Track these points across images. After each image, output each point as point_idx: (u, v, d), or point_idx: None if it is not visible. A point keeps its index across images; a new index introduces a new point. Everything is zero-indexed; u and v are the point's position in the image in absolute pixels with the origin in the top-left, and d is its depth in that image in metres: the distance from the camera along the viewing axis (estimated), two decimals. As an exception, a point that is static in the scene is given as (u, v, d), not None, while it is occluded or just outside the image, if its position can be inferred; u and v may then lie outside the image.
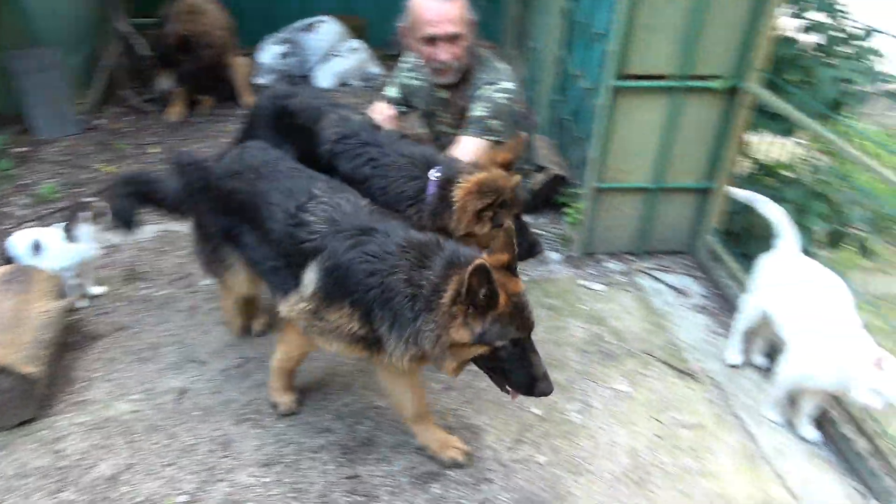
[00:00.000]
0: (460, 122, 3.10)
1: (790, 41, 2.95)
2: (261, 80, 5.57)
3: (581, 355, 2.96)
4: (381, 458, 2.44)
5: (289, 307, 2.26)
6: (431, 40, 2.89)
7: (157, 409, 2.59)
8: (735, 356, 2.88)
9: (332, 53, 5.64)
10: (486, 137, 2.89)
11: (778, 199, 3.07)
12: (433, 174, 2.43)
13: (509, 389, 2.03)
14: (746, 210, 3.33)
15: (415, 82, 3.23)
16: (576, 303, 3.28)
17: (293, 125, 2.79)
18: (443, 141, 3.33)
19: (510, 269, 1.96)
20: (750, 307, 2.74)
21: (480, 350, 1.93)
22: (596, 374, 2.86)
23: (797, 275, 2.55)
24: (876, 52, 2.92)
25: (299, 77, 5.69)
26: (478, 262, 1.78)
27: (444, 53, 2.90)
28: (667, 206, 3.34)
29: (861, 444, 2.41)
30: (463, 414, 2.61)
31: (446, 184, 2.41)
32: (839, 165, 3.07)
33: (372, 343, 2.11)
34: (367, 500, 2.27)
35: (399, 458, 2.43)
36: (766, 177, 3.22)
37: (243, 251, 2.52)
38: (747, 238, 3.31)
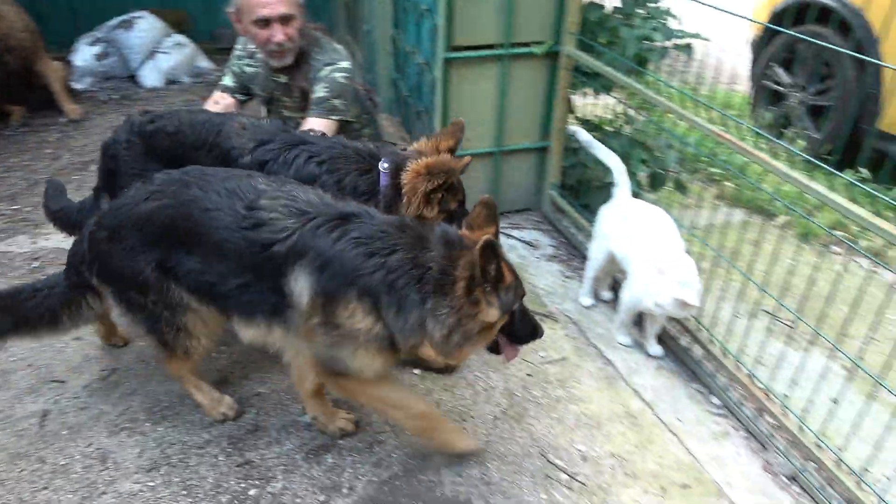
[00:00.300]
0: (302, 104, 3.12)
1: (596, 6, 3.28)
2: (79, 85, 5.18)
3: (450, 314, 3.14)
4: (272, 440, 2.45)
5: (286, 334, 2.04)
6: (265, 22, 2.88)
7: (19, 437, 2.42)
8: (587, 299, 3.18)
9: (155, 50, 5.35)
10: (331, 117, 2.95)
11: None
12: (383, 165, 2.38)
13: (504, 350, 2.07)
14: (580, 165, 3.68)
15: (250, 69, 3.20)
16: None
17: (177, 148, 2.52)
18: (288, 125, 3.33)
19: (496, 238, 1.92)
20: (596, 253, 3.04)
21: (502, 322, 1.96)
22: (466, 329, 3.05)
23: (632, 216, 2.87)
24: (669, 13, 3.33)
25: (123, 78, 5.35)
26: (484, 240, 1.75)
27: (279, 34, 2.89)
28: (510, 168, 3.60)
29: (698, 350, 2.79)
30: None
31: (396, 173, 2.37)
32: (652, 115, 3.48)
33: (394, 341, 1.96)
34: (264, 482, 2.29)
35: (289, 438, 2.46)
36: (592, 131, 3.57)
37: (189, 283, 2.09)
38: (585, 190, 3.65)
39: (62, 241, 3.55)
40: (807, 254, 3.46)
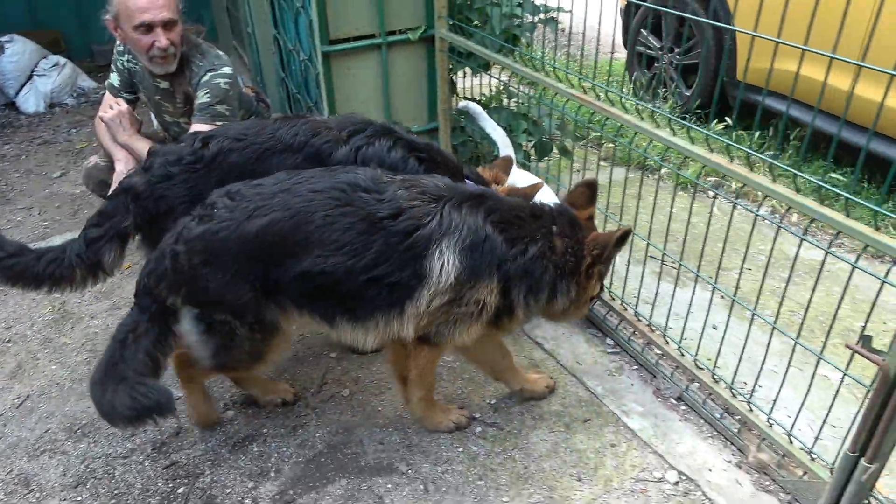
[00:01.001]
0: (185, 109, 3.14)
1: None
2: (-47, 116, 4.96)
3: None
4: (195, 440, 2.51)
5: (418, 311, 2.03)
6: (147, 28, 2.85)
7: (-70, 477, 2.38)
8: None
9: (33, 73, 5.17)
10: (216, 123, 2.99)
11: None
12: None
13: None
14: (470, 141, 3.86)
15: (132, 65, 3.18)
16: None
17: (248, 161, 2.34)
18: (172, 131, 3.35)
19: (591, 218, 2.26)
20: None
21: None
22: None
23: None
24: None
25: (1, 106, 5.15)
26: (624, 230, 2.08)
27: (162, 39, 2.86)
28: (403, 152, 3.73)
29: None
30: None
31: None
32: (529, 88, 3.69)
33: (501, 312, 2.12)
34: (192, 479, 2.36)
35: (213, 435, 2.53)
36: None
37: (298, 291, 2.04)
38: (476, 165, 3.82)
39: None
40: (683, 199, 3.77)
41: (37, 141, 4.79)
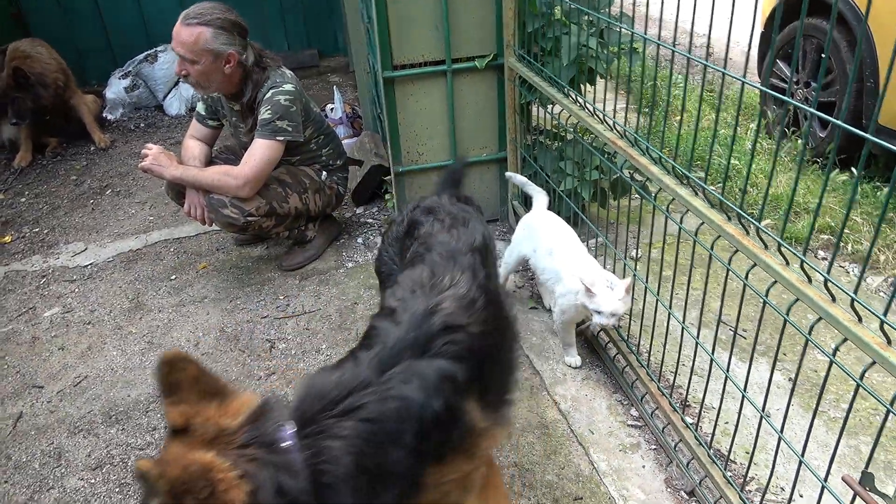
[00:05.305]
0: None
1: (536, 15, 3.27)
2: (111, 116, 5.68)
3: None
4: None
5: None
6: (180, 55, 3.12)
7: (-7, 437, 2.74)
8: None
9: (179, 80, 5.79)
10: (277, 138, 3.14)
11: (561, 158, 3.44)
12: None
13: None
14: (541, 173, 3.69)
15: (215, 94, 3.44)
16: (400, 279, 3.56)
17: None
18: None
19: None
20: (508, 256, 3.15)
21: None
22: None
23: (539, 226, 2.97)
24: (615, 18, 3.26)
25: (151, 108, 5.83)
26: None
27: (178, 67, 3.13)
28: (471, 180, 3.65)
29: (621, 360, 2.76)
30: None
31: None
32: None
33: None
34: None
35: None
36: (550, 140, 3.58)
37: None
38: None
39: (70, 259, 3.96)
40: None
41: (170, 141, 5.35)
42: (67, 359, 3.18)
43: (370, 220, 4.03)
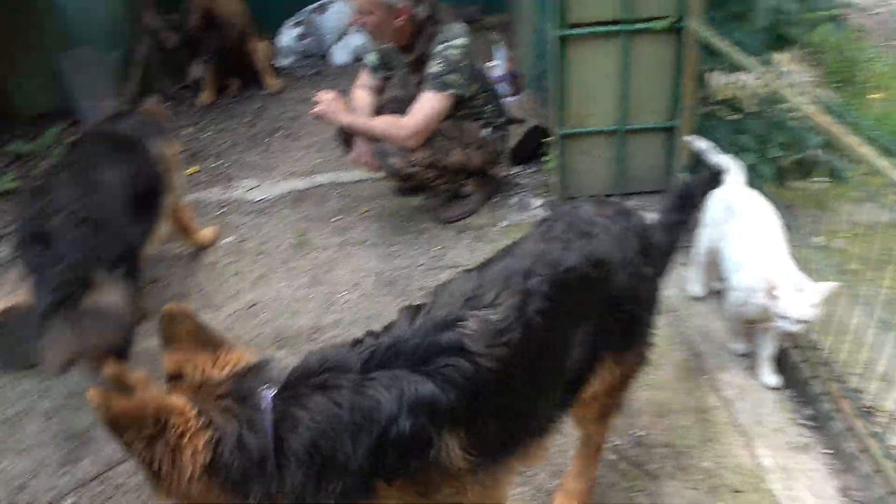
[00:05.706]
0: (429, 80, 3.37)
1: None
2: (282, 63, 5.99)
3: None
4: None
5: None
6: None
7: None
8: (695, 287, 3.01)
9: (346, 31, 5.97)
10: (445, 92, 3.16)
11: (740, 131, 3.20)
12: None
13: None
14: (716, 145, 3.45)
15: (388, 45, 3.49)
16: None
17: None
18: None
19: None
20: (700, 240, 2.86)
21: None
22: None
23: (736, 208, 2.65)
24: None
25: (318, 56, 6.07)
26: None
27: (357, 17, 3.27)
28: (636, 147, 3.50)
29: (793, 354, 2.55)
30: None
31: None
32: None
33: None
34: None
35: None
36: (728, 111, 3.34)
37: None
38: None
39: (245, 193, 4.26)
40: None
41: (336, 88, 5.51)
42: (241, 284, 3.44)
43: (525, 181, 3.99)
